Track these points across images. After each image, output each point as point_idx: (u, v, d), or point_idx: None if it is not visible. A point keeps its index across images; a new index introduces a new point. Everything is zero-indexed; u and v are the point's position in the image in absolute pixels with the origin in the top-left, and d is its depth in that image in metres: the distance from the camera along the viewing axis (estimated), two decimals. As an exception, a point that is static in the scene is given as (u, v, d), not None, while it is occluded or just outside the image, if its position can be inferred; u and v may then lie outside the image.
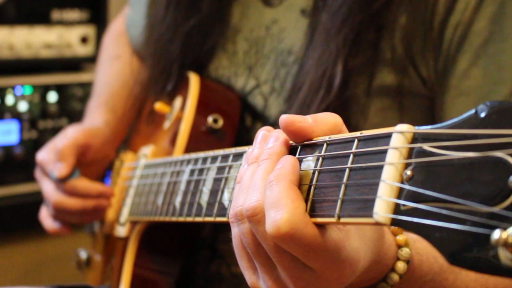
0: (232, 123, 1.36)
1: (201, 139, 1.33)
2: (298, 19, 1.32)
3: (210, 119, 1.33)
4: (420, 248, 0.96)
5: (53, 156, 1.51)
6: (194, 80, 1.39)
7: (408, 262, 0.93)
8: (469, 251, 0.58)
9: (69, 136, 1.52)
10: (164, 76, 1.48)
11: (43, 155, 1.54)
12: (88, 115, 1.69)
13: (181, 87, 1.45)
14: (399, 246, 0.93)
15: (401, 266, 0.92)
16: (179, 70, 1.45)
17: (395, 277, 0.92)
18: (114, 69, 1.76)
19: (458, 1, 1.18)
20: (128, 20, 1.79)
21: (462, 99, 1.20)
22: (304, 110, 1.23)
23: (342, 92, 1.22)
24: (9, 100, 2.26)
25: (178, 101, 1.43)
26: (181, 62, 1.45)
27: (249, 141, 1.36)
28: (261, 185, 0.82)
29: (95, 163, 1.59)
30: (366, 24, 1.22)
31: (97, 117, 1.66)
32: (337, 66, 1.21)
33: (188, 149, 1.32)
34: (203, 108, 1.35)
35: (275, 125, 1.31)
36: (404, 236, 0.93)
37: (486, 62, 1.18)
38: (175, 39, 1.45)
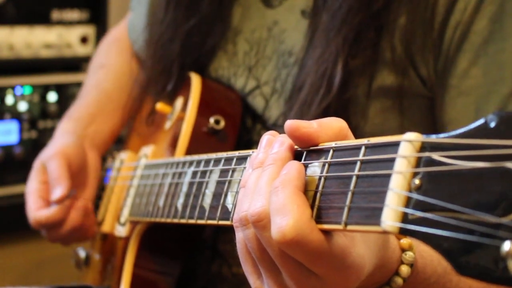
0: (234, 124, 1.36)
1: (202, 140, 1.33)
2: (298, 20, 1.32)
3: (211, 120, 1.33)
4: (424, 251, 0.96)
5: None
6: (195, 81, 1.39)
7: (411, 265, 0.93)
8: (478, 262, 0.58)
9: (54, 165, 1.53)
10: (164, 76, 1.48)
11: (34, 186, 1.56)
12: (56, 130, 1.70)
13: (182, 87, 1.45)
14: (403, 250, 0.93)
15: (405, 269, 0.92)
16: (179, 70, 1.45)
17: (399, 280, 0.92)
18: (94, 79, 1.77)
19: (458, 1, 1.18)
20: (129, 22, 1.79)
21: (462, 98, 1.20)
22: (304, 110, 1.23)
23: (342, 92, 1.22)
24: (9, 100, 2.26)
25: (179, 102, 1.43)
26: (181, 62, 1.45)
27: (249, 142, 1.37)
28: (266, 190, 0.82)
29: (79, 172, 1.59)
30: (366, 24, 1.22)
31: (58, 131, 1.67)
32: (337, 66, 1.21)
33: (190, 149, 1.31)
34: (205, 109, 1.35)
35: (275, 126, 1.32)
36: (408, 240, 0.93)
37: (486, 61, 1.18)
38: (175, 39, 1.45)
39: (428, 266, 0.97)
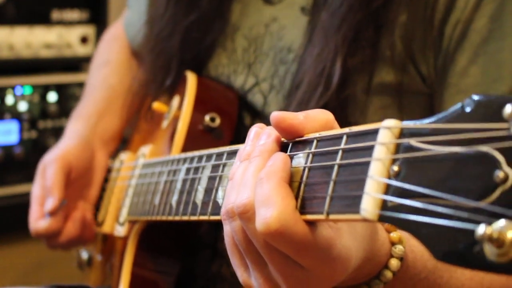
0: (230, 121, 1.35)
1: (198, 138, 1.33)
2: (298, 16, 1.32)
3: (207, 118, 1.33)
4: (414, 246, 0.95)
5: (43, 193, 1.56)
6: (191, 79, 1.39)
7: (401, 259, 0.92)
8: (456, 247, 0.58)
9: (50, 172, 1.55)
10: (163, 72, 1.48)
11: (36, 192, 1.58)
12: (65, 130, 1.71)
13: (179, 86, 1.45)
14: (393, 243, 0.92)
15: (394, 263, 0.92)
16: (178, 66, 1.46)
17: (388, 274, 0.92)
18: (100, 76, 1.77)
19: None
20: (126, 20, 1.79)
21: (460, 96, 1.20)
22: (302, 108, 1.22)
23: (341, 90, 1.22)
24: (9, 100, 2.26)
25: (175, 100, 1.43)
26: (181, 58, 1.45)
27: (247, 140, 1.37)
28: (252, 182, 0.82)
29: (82, 175, 1.61)
30: (365, 23, 1.21)
31: (68, 130, 1.69)
32: (336, 64, 1.21)
33: (186, 148, 1.31)
34: (200, 107, 1.35)
35: (274, 123, 1.32)
36: (398, 233, 0.93)
37: (485, 60, 1.18)
38: (174, 34, 1.45)
39: (419, 261, 0.96)
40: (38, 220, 1.54)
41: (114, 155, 1.70)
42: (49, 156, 1.58)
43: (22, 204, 1.90)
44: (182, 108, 1.36)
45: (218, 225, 1.34)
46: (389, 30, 1.21)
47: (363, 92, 1.24)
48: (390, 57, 1.22)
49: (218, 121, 1.33)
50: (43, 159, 1.60)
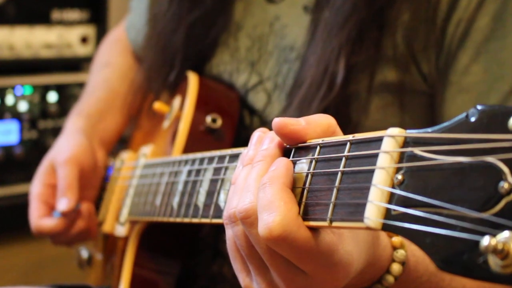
0: (231, 122, 1.35)
1: (199, 138, 1.33)
2: (300, 15, 1.32)
3: (208, 119, 1.33)
4: (416, 250, 0.95)
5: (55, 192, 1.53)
6: (193, 80, 1.39)
7: (403, 264, 0.92)
8: (459, 257, 0.58)
9: (65, 173, 1.52)
10: (167, 67, 1.47)
11: (39, 189, 1.54)
12: (66, 126, 1.68)
13: (180, 86, 1.45)
14: (394, 248, 0.92)
15: (396, 268, 0.92)
16: (181, 62, 1.45)
17: (390, 279, 0.92)
18: (101, 76, 1.77)
19: None
20: (128, 22, 1.79)
21: (462, 95, 1.20)
22: (305, 106, 1.23)
23: (344, 89, 1.22)
24: (9, 100, 2.26)
25: (177, 101, 1.43)
26: (184, 54, 1.45)
27: (247, 140, 1.36)
28: (254, 187, 0.82)
29: (89, 175, 1.59)
30: (369, 21, 1.22)
31: (68, 126, 1.66)
32: (339, 63, 1.21)
33: (187, 148, 1.31)
34: (201, 108, 1.35)
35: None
36: (399, 238, 0.93)
37: (487, 58, 1.18)
38: (178, 30, 1.45)
39: (420, 264, 0.96)
40: (42, 218, 1.50)
41: (114, 154, 1.69)
42: (60, 156, 1.54)
43: (22, 204, 1.90)
44: (183, 108, 1.36)
45: (219, 226, 1.35)
46: (392, 29, 1.22)
47: (365, 91, 1.24)
48: (392, 56, 1.22)
49: (219, 122, 1.33)
50: (49, 157, 1.57)
